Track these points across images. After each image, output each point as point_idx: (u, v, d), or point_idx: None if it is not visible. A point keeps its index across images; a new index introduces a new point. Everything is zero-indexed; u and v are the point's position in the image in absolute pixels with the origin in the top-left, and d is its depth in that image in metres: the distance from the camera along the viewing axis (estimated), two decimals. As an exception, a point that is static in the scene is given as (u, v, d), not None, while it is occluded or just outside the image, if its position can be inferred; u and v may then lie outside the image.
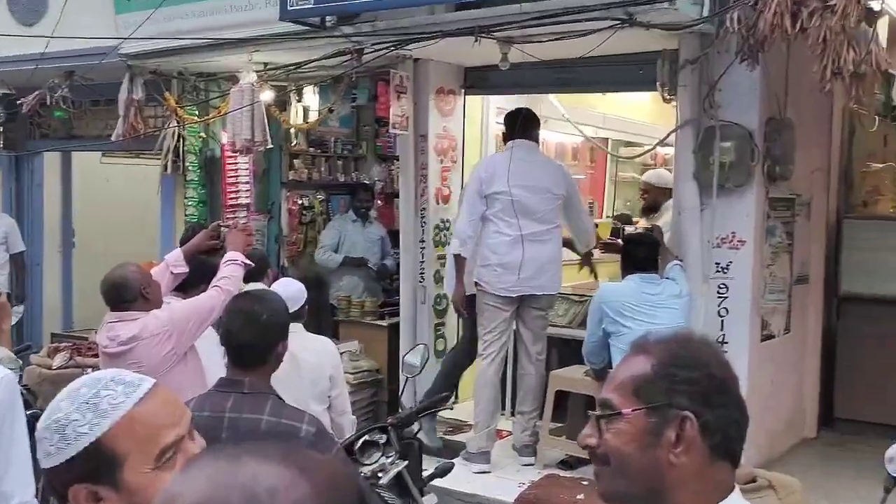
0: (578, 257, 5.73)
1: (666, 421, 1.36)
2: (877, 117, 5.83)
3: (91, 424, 1.39)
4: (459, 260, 5.27)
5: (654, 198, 6.35)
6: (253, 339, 2.76)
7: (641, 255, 4.73)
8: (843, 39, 3.68)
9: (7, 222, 8.09)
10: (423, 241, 6.12)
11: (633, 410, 1.38)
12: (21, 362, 4.23)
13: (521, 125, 5.30)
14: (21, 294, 8.12)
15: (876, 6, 3.86)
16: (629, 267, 4.74)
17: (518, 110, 5.44)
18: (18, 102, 7.31)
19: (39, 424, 1.41)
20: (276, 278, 4.81)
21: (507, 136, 5.41)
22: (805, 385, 5.71)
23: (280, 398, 2.77)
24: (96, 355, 4.44)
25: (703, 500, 1.37)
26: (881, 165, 6.29)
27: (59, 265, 8.70)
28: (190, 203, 7.23)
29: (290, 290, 3.97)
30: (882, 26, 4.08)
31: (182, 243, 4.76)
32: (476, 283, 5.25)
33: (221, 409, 2.64)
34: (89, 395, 1.42)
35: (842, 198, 6.17)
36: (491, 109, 6.58)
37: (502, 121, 5.68)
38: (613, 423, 1.39)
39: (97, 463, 1.39)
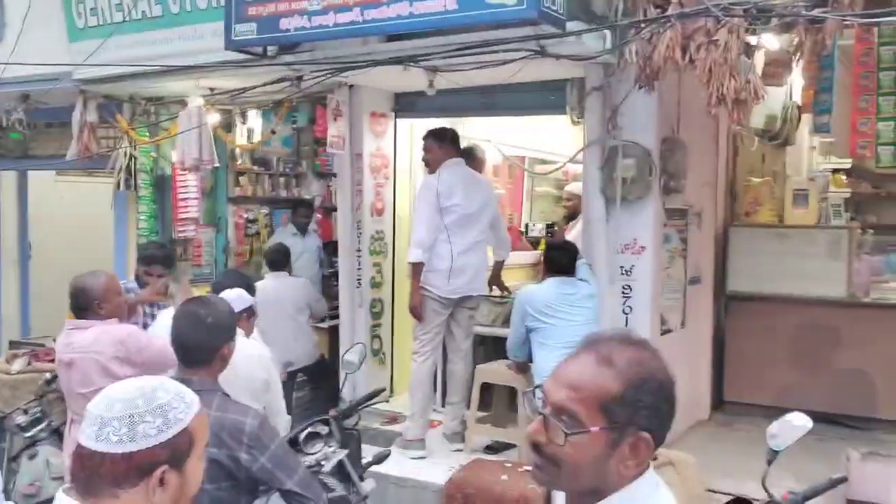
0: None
1: (623, 437, 1.34)
2: (756, 138, 6.07)
3: (185, 412, 1.44)
4: (417, 267, 5.15)
5: (575, 206, 6.52)
6: (199, 341, 2.72)
7: (563, 260, 4.81)
8: (726, 70, 3.79)
9: (-35, 237, 7.81)
10: (359, 250, 6.10)
11: (600, 429, 1.33)
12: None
13: (452, 143, 5.33)
14: (-21, 304, 7.84)
15: (753, 41, 4.00)
16: (551, 270, 4.81)
17: (446, 129, 5.41)
18: (-25, 124, 7.07)
19: (129, 410, 1.38)
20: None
21: (439, 153, 5.29)
22: (699, 373, 5.86)
23: (226, 395, 2.74)
24: (53, 360, 4.30)
25: (622, 484, 1.38)
26: (761, 180, 6.51)
27: (17, 277, 8.40)
28: (142, 217, 7.07)
29: (230, 297, 3.93)
30: (759, 58, 4.24)
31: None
32: (421, 288, 5.18)
33: None
34: (176, 390, 1.47)
35: (728, 208, 6.35)
36: (420, 131, 6.59)
37: (424, 138, 5.47)
38: (576, 436, 1.33)
39: (182, 446, 1.43)
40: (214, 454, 2.55)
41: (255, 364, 3.79)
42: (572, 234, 6.23)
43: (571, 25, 4.17)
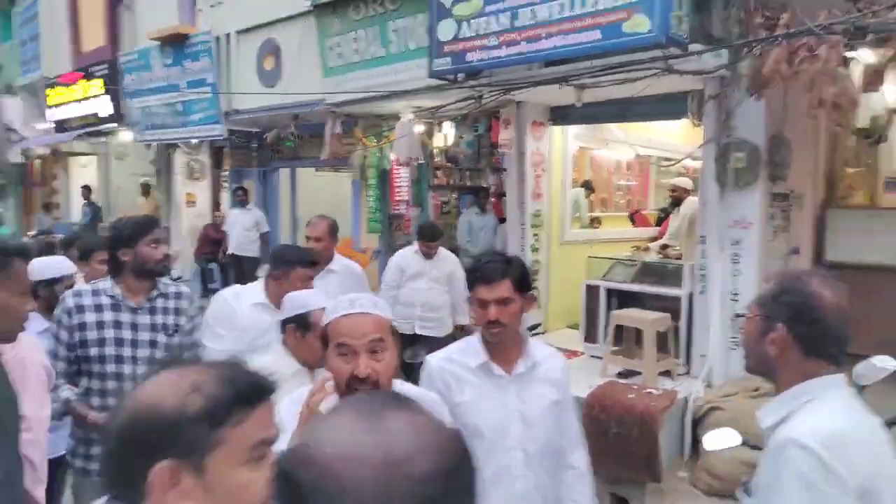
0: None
1: (770, 325, 1.40)
2: (854, 135, 5.46)
3: None
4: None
5: (679, 195, 6.29)
6: None
7: None
8: (826, 79, 3.48)
9: (259, 213, 8.68)
10: (523, 224, 6.16)
11: (752, 315, 1.45)
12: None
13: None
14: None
15: (850, 55, 3.62)
16: None
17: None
18: (264, 137, 7.79)
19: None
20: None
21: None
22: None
23: None
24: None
25: (799, 379, 1.39)
26: (854, 170, 5.87)
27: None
28: (370, 200, 7.52)
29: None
30: (856, 68, 3.83)
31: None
32: None
33: None
34: None
35: (827, 193, 5.79)
36: (569, 135, 6.52)
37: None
38: (744, 321, 1.48)
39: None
40: None
41: None
42: (677, 218, 6.00)
43: (693, 47, 3.97)
